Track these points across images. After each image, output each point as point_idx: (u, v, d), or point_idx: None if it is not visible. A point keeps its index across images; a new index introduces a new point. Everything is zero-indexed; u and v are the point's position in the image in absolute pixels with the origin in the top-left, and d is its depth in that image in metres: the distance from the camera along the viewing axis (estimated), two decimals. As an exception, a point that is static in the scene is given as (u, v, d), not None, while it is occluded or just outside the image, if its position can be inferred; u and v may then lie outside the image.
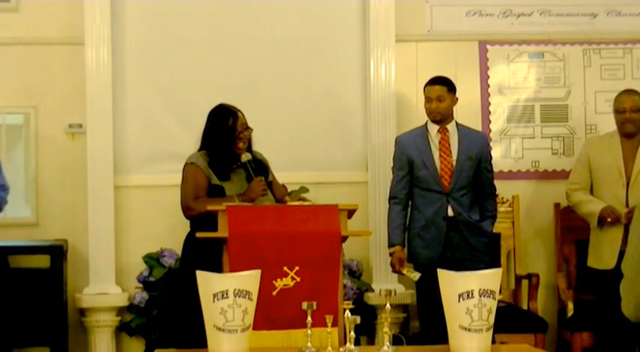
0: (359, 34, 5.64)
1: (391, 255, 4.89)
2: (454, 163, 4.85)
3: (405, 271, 4.83)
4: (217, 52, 5.57)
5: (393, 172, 5.02)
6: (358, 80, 5.64)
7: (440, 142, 4.90)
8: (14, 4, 5.47)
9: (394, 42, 5.56)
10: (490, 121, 5.75)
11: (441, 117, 4.90)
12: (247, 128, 4.59)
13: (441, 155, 4.88)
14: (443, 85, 4.93)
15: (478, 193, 4.94)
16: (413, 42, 5.71)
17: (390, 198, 4.98)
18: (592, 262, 5.09)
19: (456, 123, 4.97)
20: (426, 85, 4.98)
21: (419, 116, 5.31)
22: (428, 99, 4.92)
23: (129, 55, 5.52)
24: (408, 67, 5.67)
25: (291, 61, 5.60)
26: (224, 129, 4.56)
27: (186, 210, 4.54)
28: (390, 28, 5.55)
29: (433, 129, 4.94)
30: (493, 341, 3.40)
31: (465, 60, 5.74)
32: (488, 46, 5.78)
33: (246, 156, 4.53)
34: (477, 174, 4.91)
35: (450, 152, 4.89)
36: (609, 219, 4.93)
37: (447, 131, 4.92)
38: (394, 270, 4.91)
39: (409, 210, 4.95)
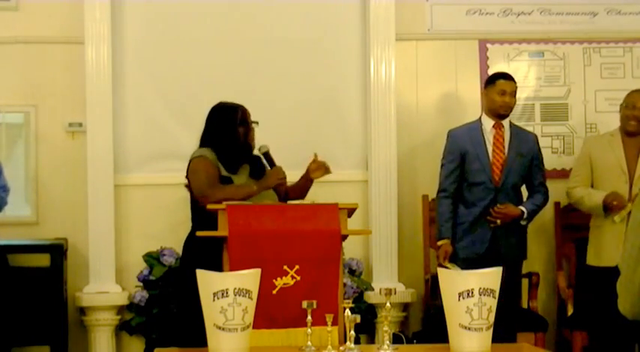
0: (359, 33, 5.63)
1: (439, 248, 4.90)
2: (506, 159, 4.89)
3: (448, 265, 4.78)
4: (217, 51, 5.56)
5: (442, 165, 5.01)
6: (358, 79, 5.63)
7: (494, 137, 4.94)
8: (14, 3, 5.46)
9: (394, 41, 5.55)
10: (490, 120, 5.74)
11: (510, 113, 4.96)
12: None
13: (494, 150, 4.92)
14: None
15: (529, 190, 5.02)
16: (413, 41, 5.71)
17: (439, 192, 4.99)
18: (591, 260, 5.08)
19: (510, 121, 5.01)
20: (499, 78, 4.98)
21: (419, 115, 5.33)
22: (502, 93, 4.91)
23: (129, 54, 5.51)
24: (408, 65, 5.67)
25: (291, 60, 5.59)
26: (233, 123, 4.53)
27: (202, 199, 4.32)
28: (390, 27, 5.54)
29: (488, 124, 4.96)
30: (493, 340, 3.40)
31: (465, 59, 5.73)
32: (488, 45, 5.77)
33: (264, 148, 4.54)
34: (529, 172, 4.97)
35: (504, 147, 4.92)
36: (615, 202, 4.91)
37: (503, 127, 4.95)
38: (440, 264, 4.85)
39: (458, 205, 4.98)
